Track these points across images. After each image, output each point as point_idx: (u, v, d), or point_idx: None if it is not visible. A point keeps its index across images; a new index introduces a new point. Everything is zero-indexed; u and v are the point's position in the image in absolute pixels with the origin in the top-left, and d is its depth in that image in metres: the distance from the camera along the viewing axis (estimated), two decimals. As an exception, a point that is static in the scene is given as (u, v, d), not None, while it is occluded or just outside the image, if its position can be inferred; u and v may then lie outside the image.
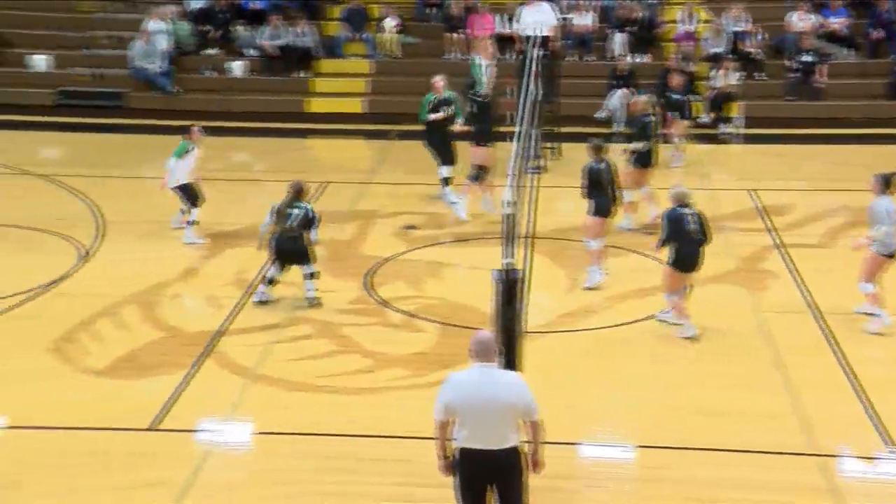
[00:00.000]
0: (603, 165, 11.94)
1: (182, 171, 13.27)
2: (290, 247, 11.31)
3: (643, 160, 13.85)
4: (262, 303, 11.40)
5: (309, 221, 11.33)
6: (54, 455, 8.49)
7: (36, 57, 20.88)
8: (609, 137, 18.50)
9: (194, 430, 9.00)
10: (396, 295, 11.83)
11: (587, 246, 12.11)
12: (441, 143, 14.83)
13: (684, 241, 10.55)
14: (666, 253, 10.77)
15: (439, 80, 14.85)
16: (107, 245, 13.24)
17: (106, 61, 20.88)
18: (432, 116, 14.73)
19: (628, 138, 14.50)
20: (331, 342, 10.67)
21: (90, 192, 15.06)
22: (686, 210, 10.62)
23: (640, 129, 14.02)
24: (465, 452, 6.61)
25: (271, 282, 11.49)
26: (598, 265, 12.06)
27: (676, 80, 17.51)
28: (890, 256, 10.73)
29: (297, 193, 11.43)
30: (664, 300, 10.87)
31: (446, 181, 14.84)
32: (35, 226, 13.46)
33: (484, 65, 16.54)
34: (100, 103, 20.08)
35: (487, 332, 6.83)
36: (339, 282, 12.19)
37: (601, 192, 11.89)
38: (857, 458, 8.56)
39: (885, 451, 8.64)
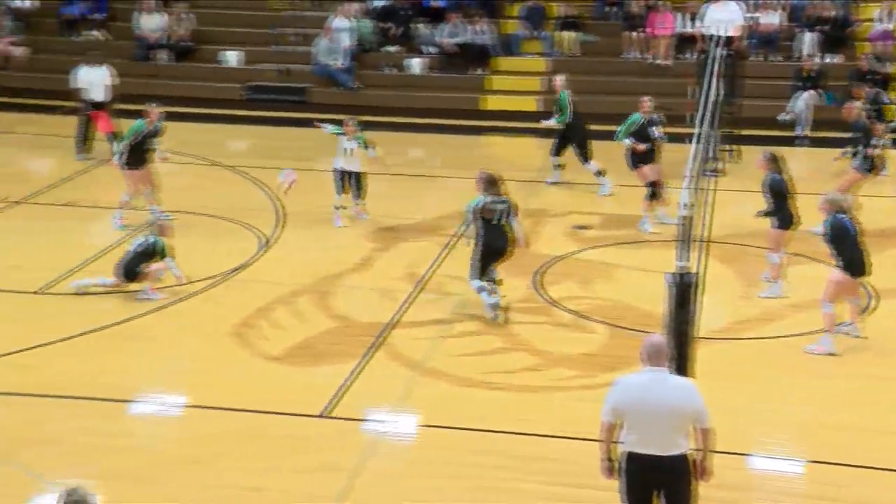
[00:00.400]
0: (783, 176, 11.62)
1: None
2: (503, 244, 10.98)
3: (868, 166, 13.74)
4: (496, 306, 11.03)
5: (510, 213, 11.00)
6: (235, 435, 8.85)
7: (228, 53, 21.78)
8: (792, 141, 18.02)
9: (363, 420, 9.22)
10: (566, 294, 11.79)
11: (769, 258, 11.79)
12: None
13: (852, 245, 10.23)
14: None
15: (647, 101, 14.14)
16: (286, 235, 13.69)
17: (292, 58, 21.57)
18: (628, 143, 13.96)
19: (853, 143, 14.17)
20: (499, 339, 10.72)
21: (272, 184, 15.59)
22: (845, 216, 10.33)
23: (864, 133, 13.90)
24: (632, 457, 6.55)
25: (495, 282, 11.13)
26: (780, 278, 11.70)
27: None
28: None
29: (492, 184, 11.03)
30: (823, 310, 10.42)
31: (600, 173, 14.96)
32: (221, 214, 14.05)
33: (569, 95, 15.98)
34: (285, 98, 20.78)
35: (660, 336, 6.75)
36: (508, 279, 12.19)
37: (784, 203, 11.59)
38: None
39: None
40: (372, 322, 11.05)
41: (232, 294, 11.79)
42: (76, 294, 11.51)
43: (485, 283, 10.94)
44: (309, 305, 11.47)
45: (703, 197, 13.77)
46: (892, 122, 17.98)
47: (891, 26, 19.78)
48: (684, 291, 7.49)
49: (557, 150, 15.90)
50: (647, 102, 14.16)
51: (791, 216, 11.62)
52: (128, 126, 14.15)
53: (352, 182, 13.98)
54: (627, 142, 14.00)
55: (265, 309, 11.31)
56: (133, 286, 11.59)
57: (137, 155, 13.59)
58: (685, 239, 7.62)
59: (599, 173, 15.38)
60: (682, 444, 6.49)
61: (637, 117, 14.09)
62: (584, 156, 15.66)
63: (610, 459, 6.72)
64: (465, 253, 12.84)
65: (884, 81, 18.76)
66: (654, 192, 13.89)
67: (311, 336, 10.73)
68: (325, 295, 11.75)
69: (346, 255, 12.88)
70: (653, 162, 14.03)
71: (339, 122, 14.23)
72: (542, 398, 9.54)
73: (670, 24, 20.57)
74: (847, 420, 9.05)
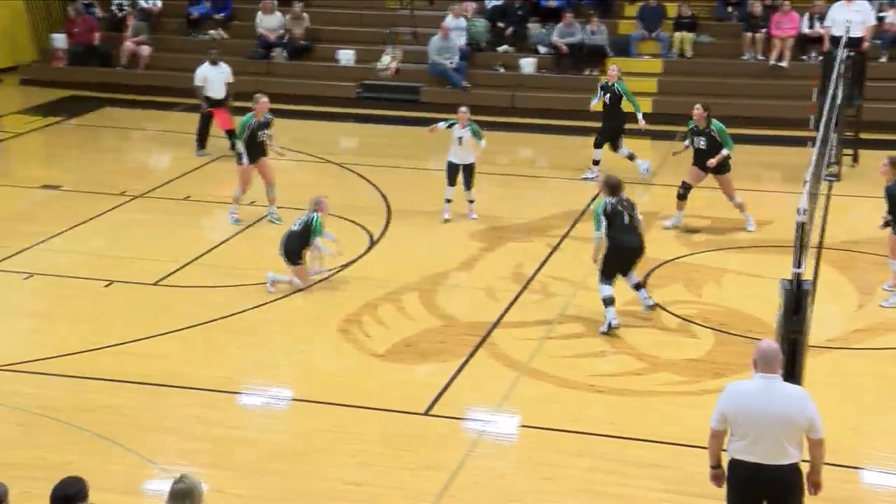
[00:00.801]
0: None
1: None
2: (634, 242, 10.86)
3: None
4: (651, 307, 11.18)
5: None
6: (338, 430, 8.99)
7: (342, 51, 22.10)
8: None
9: (465, 419, 9.26)
10: (673, 299, 11.63)
11: (891, 266, 11.46)
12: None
13: None
14: None
15: (699, 109, 13.76)
16: (392, 232, 13.84)
17: (406, 57, 21.76)
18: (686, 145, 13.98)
19: None
20: (603, 342, 10.64)
21: (381, 182, 15.78)
22: None
23: None
24: (738, 464, 6.44)
25: (639, 286, 11.21)
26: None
27: None
28: None
29: (615, 188, 10.96)
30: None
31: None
32: (332, 212, 14.27)
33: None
34: (397, 97, 20.99)
35: (772, 342, 6.62)
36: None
37: None
38: None
39: None
40: (476, 321, 11.09)
41: (339, 290, 11.97)
42: (269, 284, 11.81)
43: (613, 294, 10.77)
44: (414, 303, 11.57)
45: (821, 202, 13.45)
46: None
47: None
48: (799, 298, 7.31)
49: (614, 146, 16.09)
50: (699, 110, 13.75)
51: None
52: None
53: (463, 175, 14.06)
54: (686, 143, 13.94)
55: (371, 306, 11.45)
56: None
57: (250, 149, 13.90)
58: (801, 244, 7.44)
59: (632, 157, 15.91)
60: (793, 454, 6.36)
61: (690, 123, 13.90)
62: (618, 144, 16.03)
63: (718, 466, 6.63)
64: (571, 254, 12.87)
65: None
66: (683, 193, 13.78)
67: (415, 334, 10.82)
68: (430, 293, 11.84)
69: (451, 254, 12.96)
70: (694, 165, 13.81)
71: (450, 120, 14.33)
72: (645, 402, 9.43)
73: (794, 24, 20.05)
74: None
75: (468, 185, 14.14)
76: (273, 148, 14.11)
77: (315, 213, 11.83)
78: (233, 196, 14.09)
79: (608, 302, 10.73)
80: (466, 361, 10.22)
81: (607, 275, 10.81)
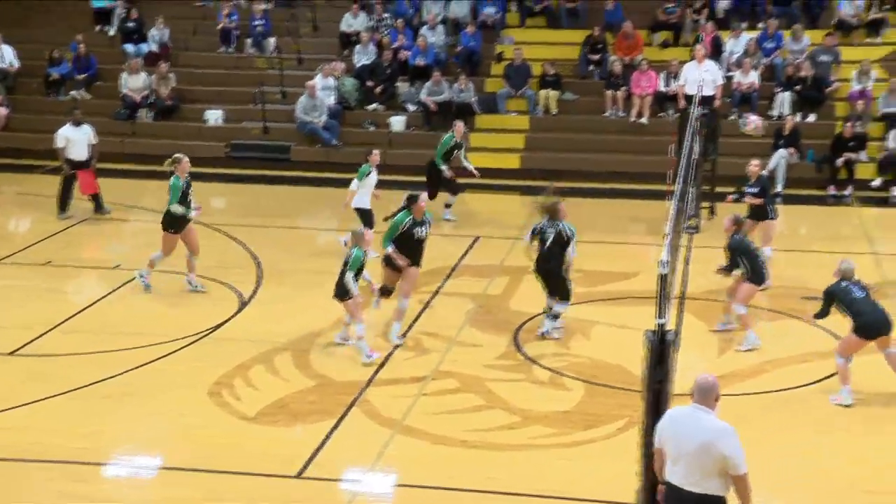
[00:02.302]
0: (744, 236, 12.05)
1: (363, 194, 14.48)
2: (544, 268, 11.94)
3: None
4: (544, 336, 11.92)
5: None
6: (211, 497, 8.78)
7: (210, 111, 21.93)
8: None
9: (340, 479, 9.16)
10: (544, 352, 11.80)
11: (738, 310, 11.92)
12: None
13: (858, 310, 10.33)
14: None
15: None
16: (264, 292, 13.69)
17: (274, 116, 21.73)
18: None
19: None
20: (477, 397, 10.70)
21: (251, 241, 15.63)
22: (849, 282, 10.48)
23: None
24: (668, 484, 6.73)
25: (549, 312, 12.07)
26: (750, 328, 11.87)
27: None
28: None
29: (550, 211, 11.97)
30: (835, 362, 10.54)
31: None
32: (202, 273, 14.04)
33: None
34: (267, 156, 20.90)
35: (709, 376, 6.88)
36: (487, 336, 12.25)
37: (754, 260, 11.85)
38: None
39: None
40: (350, 380, 11.02)
41: (209, 353, 11.75)
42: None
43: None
44: (286, 364, 11.44)
45: (681, 254, 13.88)
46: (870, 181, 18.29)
47: (868, 86, 20.05)
48: (662, 348, 7.52)
49: None
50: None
51: (763, 272, 11.82)
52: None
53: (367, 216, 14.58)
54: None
55: (243, 367, 11.27)
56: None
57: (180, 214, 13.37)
58: (663, 296, 7.66)
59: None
60: (713, 486, 6.58)
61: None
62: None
63: (663, 483, 6.84)
64: (443, 309, 12.95)
65: (861, 140, 19.02)
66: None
67: (287, 395, 10.68)
68: (303, 353, 11.73)
69: (324, 313, 12.86)
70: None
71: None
72: (519, 457, 9.49)
73: (652, 82, 20.82)
74: (833, 475, 9.06)
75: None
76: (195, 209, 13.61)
77: (357, 249, 11.49)
78: (151, 258, 13.58)
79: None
80: (340, 421, 10.14)
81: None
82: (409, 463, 9.42)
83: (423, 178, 16.90)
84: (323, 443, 9.70)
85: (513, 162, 20.62)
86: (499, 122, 21.67)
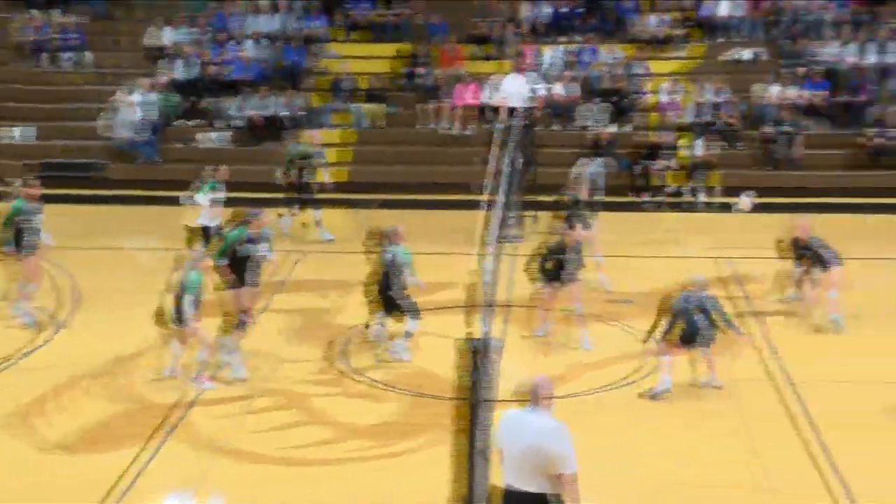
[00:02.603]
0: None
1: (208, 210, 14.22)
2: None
3: None
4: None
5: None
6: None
7: (18, 129, 21.06)
8: (593, 206, 18.75)
9: (159, 504, 8.94)
10: (367, 364, 11.82)
11: (577, 310, 12.30)
12: None
13: (688, 321, 10.84)
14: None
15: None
16: (80, 316, 13.23)
17: (87, 132, 21.02)
18: None
19: None
20: (299, 413, 10.63)
21: (67, 263, 15.07)
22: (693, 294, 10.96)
23: None
24: (506, 485, 6.82)
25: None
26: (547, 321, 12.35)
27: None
28: None
29: (384, 237, 11.83)
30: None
31: None
32: (15, 299, 13.42)
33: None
34: (80, 174, 20.18)
35: (544, 377, 6.97)
36: (310, 351, 12.19)
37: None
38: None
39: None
40: (170, 403, 10.76)
41: (23, 378, 11.28)
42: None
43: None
44: (103, 388, 11.08)
45: (503, 263, 14.16)
46: (679, 187, 19.16)
47: (676, 98, 20.96)
48: (482, 355, 7.65)
49: None
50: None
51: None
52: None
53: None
54: None
55: (55, 392, 10.87)
56: None
57: (24, 238, 12.76)
58: (484, 304, 7.80)
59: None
60: (543, 486, 6.67)
61: None
62: None
63: None
64: (263, 328, 12.79)
65: (670, 149, 19.86)
66: None
67: (104, 419, 10.35)
68: (120, 376, 11.38)
69: (143, 335, 12.49)
70: None
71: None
72: (341, 470, 9.47)
73: (475, 94, 21.19)
74: (646, 473, 9.36)
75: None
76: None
77: (193, 272, 10.97)
78: (21, 292, 12.83)
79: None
80: (160, 445, 9.88)
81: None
82: (232, 484, 9.24)
83: (251, 194, 16.67)
84: (142, 468, 9.42)
85: (341, 175, 20.57)
86: (325, 136, 21.57)
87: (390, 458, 9.47)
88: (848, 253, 13.34)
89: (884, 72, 21.00)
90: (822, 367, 11.71)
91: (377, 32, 23.37)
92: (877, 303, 13.64)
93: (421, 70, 22.16)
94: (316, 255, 15.87)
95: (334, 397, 11.01)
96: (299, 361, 11.85)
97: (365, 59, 22.66)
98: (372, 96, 21.79)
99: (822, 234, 13.35)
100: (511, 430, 6.81)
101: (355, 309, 13.49)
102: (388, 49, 22.96)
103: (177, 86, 21.79)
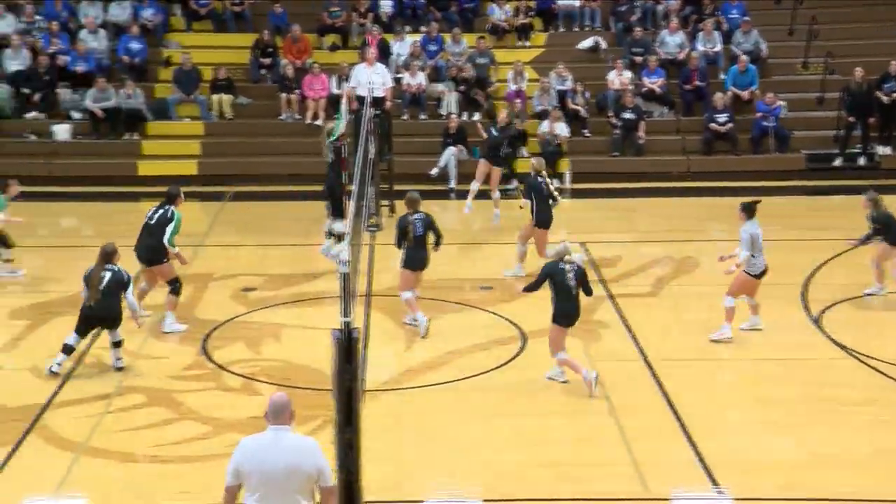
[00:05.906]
0: (416, 217, 12.28)
1: None
2: (102, 313, 11.00)
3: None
4: (55, 374, 10.96)
5: (123, 284, 11.06)
6: None
7: None
8: (445, 195, 18.94)
9: (18, 510, 8.58)
10: (234, 358, 11.64)
11: (403, 297, 12.34)
12: None
13: (564, 295, 10.68)
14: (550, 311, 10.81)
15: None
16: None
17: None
18: None
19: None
20: (166, 410, 10.37)
21: None
22: (566, 265, 10.71)
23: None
24: None
25: (70, 350, 11.09)
26: (418, 311, 12.32)
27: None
28: (757, 276, 11.97)
29: (107, 256, 11.15)
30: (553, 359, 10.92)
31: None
32: None
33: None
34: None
35: (283, 395, 6.65)
36: (174, 347, 11.91)
37: (409, 244, 12.24)
38: (689, 501, 8.90)
39: (712, 491, 8.97)
40: (25, 404, 10.34)
41: None
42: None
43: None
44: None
45: (364, 252, 14.17)
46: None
47: (522, 86, 21.34)
48: (350, 346, 7.61)
49: None
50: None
51: (421, 257, 12.31)
52: None
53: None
54: None
55: None
56: None
57: None
58: (348, 294, 7.77)
59: None
60: None
61: None
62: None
63: None
64: (126, 326, 12.42)
65: (522, 136, 20.18)
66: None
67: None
68: (-30, 380, 10.88)
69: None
70: None
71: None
72: (211, 467, 9.25)
73: (324, 85, 21.05)
74: (514, 457, 9.48)
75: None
76: None
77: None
78: None
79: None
80: (15, 449, 9.47)
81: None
82: (97, 485, 8.97)
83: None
84: (-1, 472, 9.04)
85: (190, 168, 20.17)
86: (171, 128, 21.12)
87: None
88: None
89: (714, 61, 21.94)
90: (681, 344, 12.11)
91: (220, 23, 22.92)
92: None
93: (269, 61, 21.87)
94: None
95: (203, 392, 10.78)
96: (161, 358, 11.56)
97: (209, 50, 22.24)
98: (219, 87, 21.37)
99: (673, 217, 13.78)
100: (263, 455, 6.34)
101: (220, 302, 13.30)
102: (233, 39, 22.64)
103: (10, 77, 20.83)
